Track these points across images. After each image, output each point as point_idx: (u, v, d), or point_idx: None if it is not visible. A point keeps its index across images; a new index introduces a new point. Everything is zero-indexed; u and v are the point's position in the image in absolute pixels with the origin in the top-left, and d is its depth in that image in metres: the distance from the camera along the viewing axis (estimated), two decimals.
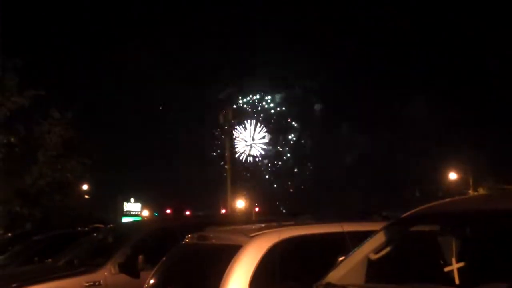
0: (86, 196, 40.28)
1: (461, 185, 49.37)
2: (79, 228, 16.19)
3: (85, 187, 38.31)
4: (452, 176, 52.93)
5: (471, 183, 49.46)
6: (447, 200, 4.86)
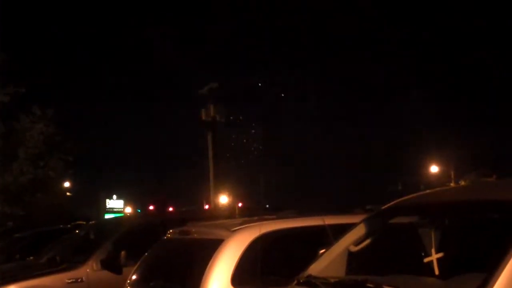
0: (68, 194, 40.07)
1: (443, 178, 49.69)
2: (61, 226, 16.10)
3: (67, 184, 38.10)
4: (434, 169, 53.28)
5: (452, 176, 49.82)
6: (426, 191, 4.89)
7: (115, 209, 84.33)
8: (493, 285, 3.12)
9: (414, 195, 4.82)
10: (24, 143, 24.44)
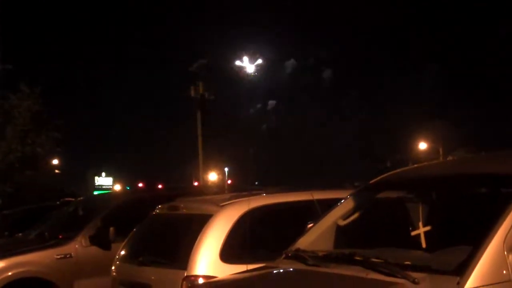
0: (56, 171, 39.97)
1: (432, 154, 49.90)
2: (50, 203, 16.06)
3: (55, 161, 37.99)
4: (422, 146, 53.48)
5: (441, 152, 50.04)
6: (413, 166, 4.91)
7: (104, 187, 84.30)
8: (479, 258, 3.15)
9: (402, 169, 4.85)
10: (12, 121, 24.33)
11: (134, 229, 6.92)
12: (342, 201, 4.63)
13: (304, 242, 4.32)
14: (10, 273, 8.53)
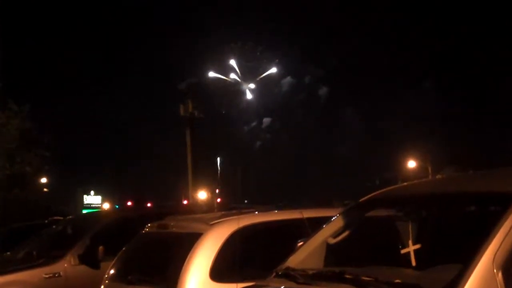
0: (45, 189, 39.83)
1: (421, 172, 50.03)
2: (38, 221, 15.98)
3: (44, 180, 37.85)
4: (411, 164, 53.61)
5: (430, 171, 50.18)
6: (403, 184, 4.93)
7: (93, 205, 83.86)
8: (469, 276, 3.16)
9: (391, 187, 4.87)
10: (0, 139, 24.26)
11: (123, 248, 6.89)
12: (332, 219, 4.64)
13: (294, 261, 4.32)
14: None
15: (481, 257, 3.21)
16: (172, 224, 6.46)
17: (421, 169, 51.71)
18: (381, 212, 4.85)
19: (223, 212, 6.75)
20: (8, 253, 10.97)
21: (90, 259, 8.70)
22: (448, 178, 5.99)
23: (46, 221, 15.38)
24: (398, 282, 3.45)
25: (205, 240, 5.65)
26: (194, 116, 29.94)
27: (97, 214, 16.70)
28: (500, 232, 3.28)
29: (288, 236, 5.61)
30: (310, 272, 3.98)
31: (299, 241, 4.65)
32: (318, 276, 3.85)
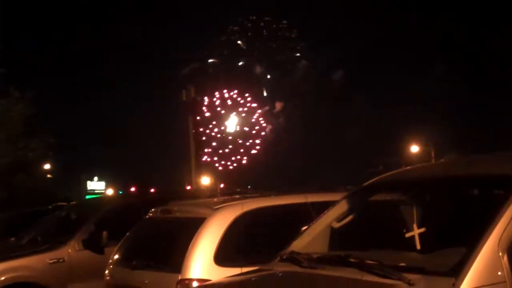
0: (48, 175, 39.86)
1: (424, 157, 49.95)
2: (42, 207, 16.01)
3: (47, 166, 37.88)
4: (414, 149, 53.56)
5: (433, 155, 50.11)
6: (407, 168, 4.91)
7: (96, 191, 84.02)
8: (474, 259, 3.16)
9: (395, 171, 4.85)
10: (4, 125, 24.28)
11: (127, 233, 6.90)
12: (336, 203, 4.63)
13: (298, 245, 4.32)
14: (3, 278, 8.50)
15: (486, 240, 3.20)
16: (175, 209, 6.46)
17: (424, 154, 51.64)
18: (385, 196, 4.84)
19: (227, 197, 6.74)
20: (13, 238, 11.00)
21: (94, 245, 8.71)
22: (452, 161, 5.97)
23: (50, 207, 15.41)
24: (403, 266, 3.45)
25: (209, 225, 5.65)
26: (196, 101, 29.94)
27: (101, 200, 16.72)
28: (506, 215, 3.27)
29: (292, 220, 5.61)
30: (315, 256, 3.97)
31: (303, 225, 4.64)
32: (322, 260, 3.85)
